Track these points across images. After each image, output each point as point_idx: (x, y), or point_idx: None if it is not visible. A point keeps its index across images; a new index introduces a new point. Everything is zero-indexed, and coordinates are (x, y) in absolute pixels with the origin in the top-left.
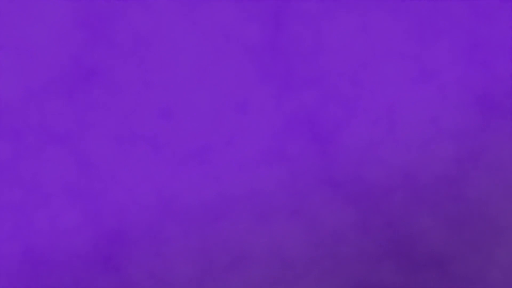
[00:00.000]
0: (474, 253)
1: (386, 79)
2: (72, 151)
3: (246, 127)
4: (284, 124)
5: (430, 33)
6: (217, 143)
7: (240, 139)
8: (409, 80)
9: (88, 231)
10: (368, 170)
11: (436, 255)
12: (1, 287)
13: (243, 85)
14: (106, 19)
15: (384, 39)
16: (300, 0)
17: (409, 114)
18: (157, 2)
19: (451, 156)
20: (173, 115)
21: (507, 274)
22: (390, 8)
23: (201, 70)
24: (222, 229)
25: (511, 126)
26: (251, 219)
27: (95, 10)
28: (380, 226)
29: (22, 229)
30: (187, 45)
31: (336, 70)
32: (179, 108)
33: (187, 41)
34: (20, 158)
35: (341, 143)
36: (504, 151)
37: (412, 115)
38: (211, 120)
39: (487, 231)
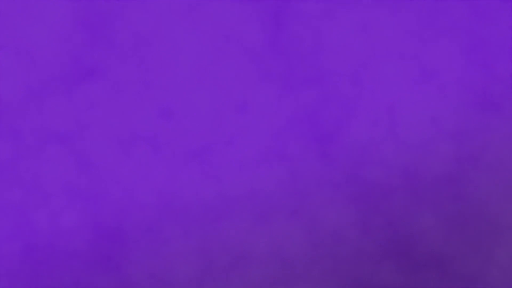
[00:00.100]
0: (474, 253)
1: (386, 79)
2: (72, 151)
3: (246, 127)
4: (284, 124)
5: (430, 33)
6: (217, 143)
7: (240, 139)
8: (409, 80)
9: (88, 231)
10: (368, 170)
11: (436, 255)
12: (1, 287)
13: (243, 85)
14: (106, 19)
15: (384, 39)
16: (300, 0)
17: (409, 114)
18: (157, 2)
19: (451, 156)
20: (173, 115)
21: (507, 274)
22: (390, 8)
23: (201, 70)
24: (222, 229)
25: (511, 126)
26: (251, 219)
27: (95, 10)
28: (380, 226)
29: (22, 229)
30: (187, 45)
31: (336, 70)
32: (179, 108)
33: (187, 41)
34: (20, 158)
35: (341, 143)
36: (504, 151)
37: (412, 115)
38: (211, 120)
39: (487, 231)
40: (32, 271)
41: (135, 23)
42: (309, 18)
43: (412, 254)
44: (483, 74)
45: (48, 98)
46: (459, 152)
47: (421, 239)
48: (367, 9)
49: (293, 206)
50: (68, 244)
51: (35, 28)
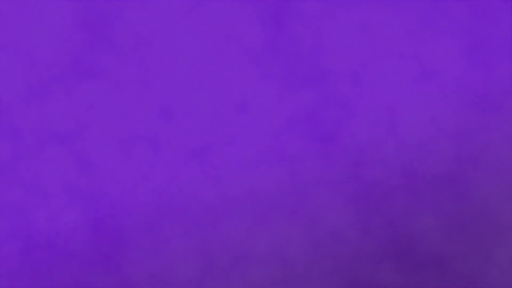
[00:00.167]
0: (474, 253)
1: (386, 79)
2: (72, 151)
3: (246, 127)
4: (284, 124)
5: (430, 33)
6: (217, 143)
7: (240, 139)
8: (409, 80)
9: (88, 231)
10: (368, 170)
11: (436, 255)
12: (1, 287)
13: (243, 85)
14: (106, 19)
15: (384, 39)
16: (300, 0)
17: (409, 114)
18: (157, 2)
19: (451, 156)
20: (173, 115)
21: (507, 274)
22: (390, 8)
23: (201, 70)
24: (222, 229)
25: (511, 126)
26: (251, 219)
27: (95, 10)
28: (380, 226)
29: (22, 229)
30: (187, 45)
31: (336, 70)
32: (179, 108)
33: (187, 41)
34: (20, 158)
35: (341, 143)
36: (504, 151)
37: (412, 115)
38: (211, 120)
39: (487, 231)
40: (32, 271)
41: (135, 23)
42: (309, 18)
43: (412, 254)
44: (483, 74)
45: (48, 98)
46: (459, 152)
47: (421, 239)
48: (367, 9)
49: (293, 206)
50: (68, 244)
51: (35, 28)
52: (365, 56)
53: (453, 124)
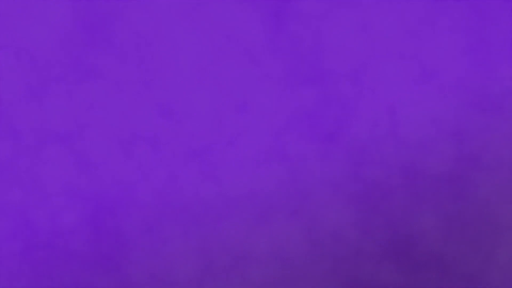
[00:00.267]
0: (474, 253)
1: (386, 79)
2: (72, 151)
3: (247, 127)
4: (284, 124)
5: (430, 33)
6: (218, 143)
7: (241, 139)
8: (409, 80)
9: (88, 231)
10: (368, 170)
11: (436, 255)
12: (1, 287)
13: (243, 85)
14: (106, 19)
15: (384, 39)
16: (300, 0)
17: (409, 114)
18: (157, 2)
19: (451, 156)
20: (173, 115)
21: (507, 274)
22: (390, 8)
23: (202, 69)
24: (222, 229)
25: (511, 126)
26: (251, 219)
27: (95, 10)
28: (380, 226)
29: (22, 229)
30: (187, 45)
31: (336, 70)
32: (179, 108)
33: (187, 40)
34: (20, 157)
35: (341, 143)
36: (504, 151)
37: (412, 115)
38: (211, 120)
39: (487, 231)
40: (32, 271)
41: (135, 23)
42: (309, 18)
43: (412, 254)
44: (483, 74)
45: (48, 98)
46: (459, 152)
47: (421, 239)
48: (367, 9)
49: (293, 206)
50: (68, 244)
51: (35, 28)
52: (365, 56)
53: (453, 124)
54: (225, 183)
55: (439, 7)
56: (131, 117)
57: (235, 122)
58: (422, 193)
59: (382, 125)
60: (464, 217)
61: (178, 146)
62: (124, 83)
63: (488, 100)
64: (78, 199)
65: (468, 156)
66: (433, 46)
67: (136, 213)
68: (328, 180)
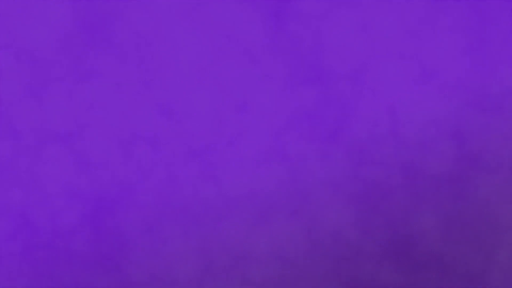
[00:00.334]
0: (474, 253)
1: (386, 79)
2: (72, 151)
3: (247, 127)
4: (285, 124)
5: (430, 33)
6: (218, 143)
7: (241, 139)
8: (409, 80)
9: (88, 231)
10: (368, 170)
11: (436, 255)
12: (1, 287)
13: (243, 85)
14: (106, 19)
15: (384, 39)
16: (300, 0)
17: (409, 114)
18: (157, 2)
19: (451, 156)
20: (173, 115)
21: (507, 274)
22: (390, 8)
23: (202, 69)
24: (222, 229)
25: (511, 126)
26: (251, 219)
27: (95, 10)
28: (380, 226)
29: (22, 229)
30: (187, 45)
31: (336, 70)
32: (179, 108)
33: (187, 40)
34: (20, 157)
35: (341, 143)
36: (504, 151)
37: (412, 115)
38: (211, 120)
39: (487, 231)
40: (32, 271)
41: (135, 23)
42: (309, 18)
43: (412, 254)
44: (483, 74)
45: (48, 98)
46: (459, 152)
47: (421, 239)
48: (367, 9)
49: (293, 206)
50: (68, 244)
51: (35, 28)
52: (365, 56)
53: (453, 124)
54: (225, 183)
55: (439, 7)
56: (131, 117)
57: (235, 122)
58: (422, 193)
59: (382, 125)
60: (464, 217)
61: (178, 146)
62: (124, 83)
63: (488, 100)
64: (78, 199)
65: (468, 156)
66: (433, 46)
67: (136, 213)
68: (328, 180)
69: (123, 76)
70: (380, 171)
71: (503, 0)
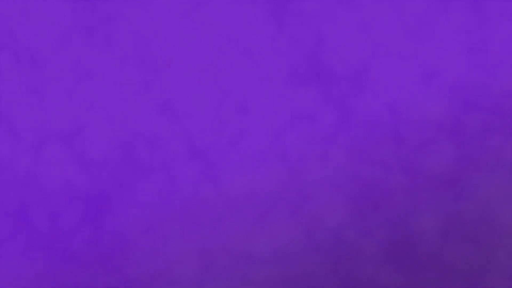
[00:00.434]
0: (474, 253)
1: (387, 79)
2: (72, 151)
3: (247, 127)
4: (285, 124)
5: (430, 33)
6: (218, 143)
7: (241, 139)
8: (409, 80)
9: (88, 231)
10: (368, 170)
11: (436, 255)
12: (1, 287)
13: (244, 85)
14: (106, 19)
15: (384, 39)
16: (300, 0)
17: (409, 114)
18: (157, 2)
19: (451, 156)
20: (173, 115)
21: (507, 274)
22: (390, 8)
23: (202, 69)
24: (222, 229)
25: (511, 126)
26: (251, 219)
27: (95, 10)
28: (380, 226)
29: (22, 229)
30: (188, 45)
31: (337, 70)
32: (179, 108)
33: (188, 40)
34: (20, 157)
35: (341, 143)
36: (504, 151)
37: (413, 115)
38: (211, 120)
39: (487, 231)
40: (32, 271)
41: (135, 23)
42: (310, 17)
43: (412, 254)
44: (483, 74)
45: (48, 98)
46: (459, 152)
47: (421, 239)
48: (367, 9)
49: (293, 206)
50: (68, 244)
51: (35, 28)
52: (366, 56)
53: (453, 124)
54: (225, 183)
55: (439, 7)
56: (131, 117)
57: (235, 122)
58: (422, 193)
59: (382, 125)
60: (464, 217)
61: (178, 146)
62: (124, 83)
63: (488, 100)
64: (78, 199)
65: (468, 156)
66: (433, 46)
67: (136, 213)
68: (328, 180)
69: (123, 76)
70: (380, 171)
71: (503, 0)
